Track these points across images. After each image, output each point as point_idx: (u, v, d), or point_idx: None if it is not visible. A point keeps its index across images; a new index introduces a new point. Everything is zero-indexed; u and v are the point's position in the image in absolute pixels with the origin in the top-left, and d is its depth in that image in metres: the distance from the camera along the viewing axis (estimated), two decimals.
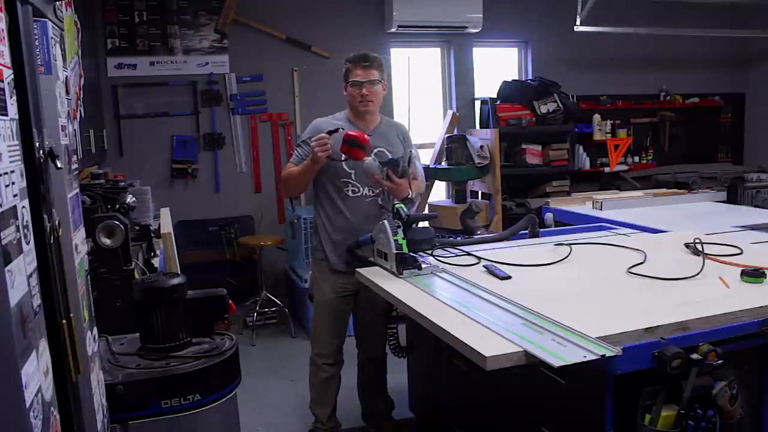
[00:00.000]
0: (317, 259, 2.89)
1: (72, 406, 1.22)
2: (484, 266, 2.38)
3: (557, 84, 5.64)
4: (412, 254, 2.35)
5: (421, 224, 2.48)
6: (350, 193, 2.75)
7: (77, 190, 1.43)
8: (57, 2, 1.33)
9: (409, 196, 2.74)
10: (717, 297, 1.89)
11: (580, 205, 4.04)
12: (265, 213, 5.44)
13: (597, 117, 6.04)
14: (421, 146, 5.58)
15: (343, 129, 2.61)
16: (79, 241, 1.38)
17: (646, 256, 2.38)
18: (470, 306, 1.92)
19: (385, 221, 2.40)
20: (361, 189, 2.75)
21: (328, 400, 2.97)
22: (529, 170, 5.54)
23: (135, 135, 5.08)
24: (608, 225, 3.30)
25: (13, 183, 0.95)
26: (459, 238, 2.81)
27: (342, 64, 2.80)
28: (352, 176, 2.72)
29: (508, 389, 2.14)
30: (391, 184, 2.59)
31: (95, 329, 1.48)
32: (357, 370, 3.09)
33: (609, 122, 6.08)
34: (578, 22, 5.34)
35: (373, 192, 2.76)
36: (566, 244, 2.58)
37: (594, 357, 1.49)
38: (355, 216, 2.74)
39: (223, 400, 1.79)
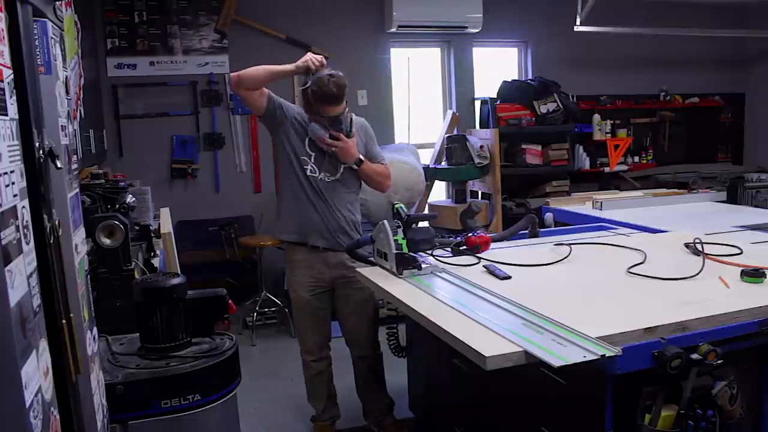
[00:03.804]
0: (289, 244, 2.90)
1: (72, 406, 1.22)
2: (484, 266, 2.39)
3: (557, 84, 5.64)
4: (412, 254, 2.35)
5: (421, 224, 2.49)
6: (308, 172, 2.80)
7: (77, 190, 1.44)
8: (57, 2, 1.33)
9: (385, 188, 2.92)
10: (717, 297, 1.89)
11: (580, 205, 4.04)
12: (265, 213, 5.43)
13: (597, 117, 6.04)
14: (421, 146, 5.59)
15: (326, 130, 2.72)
16: (79, 241, 1.38)
17: (646, 256, 2.38)
18: (470, 306, 1.92)
19: (385, 221, 2.40)
20: (318, 172, 2.80)
21: (320, 393, 3.04)
22: (529, 170, 5.54)
23: (135, 135, 5.08)
24: (608, 225, 3.30)
25: (13, 183, 0.95)
26: (459, 238, 2.81)
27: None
28: (312, 158, 2.80)
29: (508, 389, 2.14)
30: (339, 143, 2.70)
31: (95, 329, 1.48)
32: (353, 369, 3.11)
33: (609, 122, 6.07)
34: (578, 22, 5.34)
35: (328, 177, 2.81)
36: (566, 244, 2.58)
37: (594, 357, 1.49)
38: (313, 194, 2.79)
39: (223, 400, 1.79)
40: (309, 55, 2.77)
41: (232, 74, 2.75)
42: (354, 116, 2.83)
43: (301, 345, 3.03)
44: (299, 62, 2.75)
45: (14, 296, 0.90)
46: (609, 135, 6.03)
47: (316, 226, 2.79)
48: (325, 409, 3.06)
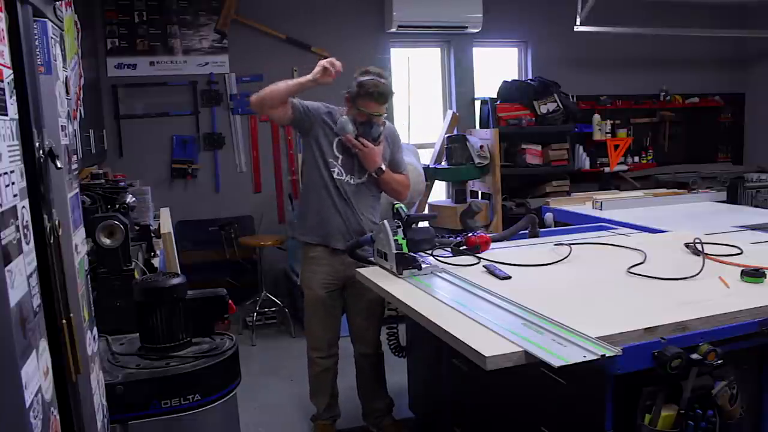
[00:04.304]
0: (308, 244, 2.91)
1: (72, 406, 1.22)
2: (484, 266, 2.39)
3: (557, 84, 5.64)
4: (412, 254, 2.35)
5: (421, 224, 2.49)
6: (335, 175, 2.82)
7: (77, 190, 1.44)
8: (57, 2, 1.33)
9: (402, 198, 2.86)
10: (717, 297, 1.89)
11: (580, 205, 4.04)
12: (265, 213, 5.44)
13: (597, 117, 6.04)
14: (421, 146, 5.58)
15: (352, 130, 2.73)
16: (79, 241, 1.38)
17: (646, 256, 2.38)
18: (470, 306, 1.92)
19: (385, 221, 2.40)
20: (344, 174, 2.82)
21: (323, 391, 3.05)
22: (529, 170, 5.54)
23: (135, 135, 5.08)
24: (608, 225, 3.30)
25: (13, 183, 0.95)
26: (459, 238, 2.81)
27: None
28: (339, 161, 2.81)
29: (508, 389, 2.14)
30: (362, 147, 2.71)
31: (95, 329, 1.48)
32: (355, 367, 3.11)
33: (609, 122, 6.07)
34: (578, 22, 5.34)
35: (353, 180, 2.83)
36: (566, 244, 2.58)
37: (594, 357, 1.49)
38: (338, 197, 2.81)
39: (223, 400, 1.79)
40: (322, 62, 2.77)
41: (251, 98, 2.79)
42: (387, 123, 2.85)
43: (308, 342, 3.03)
44: (315, 72, 2.75)
45: (14, 296, 0.90)
46: (609, 135, 6.03)
47: (339, 228, 2.81)
48: (327, 407, 3.06)
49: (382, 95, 2.72)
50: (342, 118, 2.75)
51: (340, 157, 2.81)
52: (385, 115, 2.81)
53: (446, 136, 5.49)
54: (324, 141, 2.81)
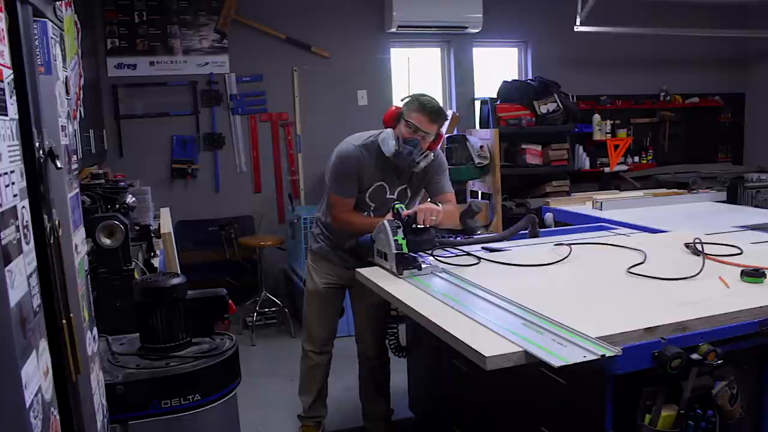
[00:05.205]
0: (314, 245, 2.92)
1: (72, 406, 1.22)
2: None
3: (557, 84, 5.64)
4: (412, 254, 2.35)
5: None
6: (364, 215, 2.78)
7: (77, 190, 1.44)
8: (57, 2, 1.33)
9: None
10: (717, 297, 1.89)
11: (580, 205, 4.04)
12: (265, 213, 5.44)
13: (597, 117, 6.05)
14: None
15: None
16: (79, 241, 1.38)
17: (646, 256, 2.38)
18: (470, 306, 1.92)
19: (385, 221, 2.40)
20: (373, 216, 2.76)
21: (312, 387, 3.04)
22: (529, 170, 5.54)
23: (135, 135, 5.08)
24: (608, 225, 3.30)
25: (13, 183, 0.95)
26: (459, 238, 2.81)
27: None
28: (372, 208, 2.78)
29: (508, 389, 2.14)
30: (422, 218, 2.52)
31: (95, 329, 1.48)
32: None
33: (609, 122, 6.08)
34: (578, 22, 5.34)
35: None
36: (566, 244, 2.58)
37: (594, 357, 1.49)
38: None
39: (223, 400, 1.79)
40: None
41: (335, 219, 2.73)
42: (438, 154, 2.78)
43: (305, 335, 3.04)
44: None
45: (14, 296, 0.90)
46: (609, 135, 6.03)
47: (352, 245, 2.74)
48: (313, 405, 3.06)
49: (436, 110, 2.60)
50: (384, 132, 2.65)
51: (372, 206, 2.76)
52: (431, 148, 2.67)
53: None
54: (358, 193, 2.72)
